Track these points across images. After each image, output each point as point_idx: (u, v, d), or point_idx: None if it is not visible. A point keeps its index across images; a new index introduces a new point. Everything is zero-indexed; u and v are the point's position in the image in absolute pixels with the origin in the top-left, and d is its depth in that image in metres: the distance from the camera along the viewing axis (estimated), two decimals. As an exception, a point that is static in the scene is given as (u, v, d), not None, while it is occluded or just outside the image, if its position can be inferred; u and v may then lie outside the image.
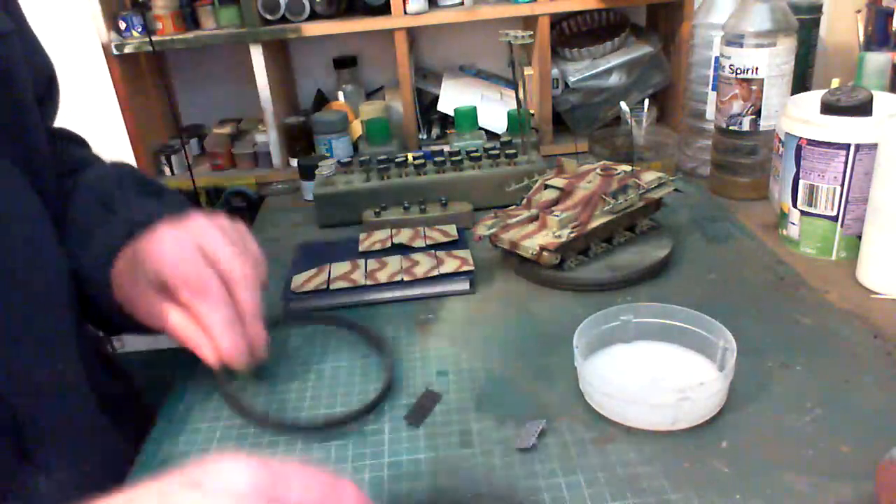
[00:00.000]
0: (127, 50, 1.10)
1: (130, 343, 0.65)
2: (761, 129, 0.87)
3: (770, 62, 0.83)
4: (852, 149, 0.69)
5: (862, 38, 0.98)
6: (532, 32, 0.92)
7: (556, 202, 0.77)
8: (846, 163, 0.69)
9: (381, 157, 0.95)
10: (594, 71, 1.16)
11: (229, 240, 0.53)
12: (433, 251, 0.78)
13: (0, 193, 0.49)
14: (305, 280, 0.74)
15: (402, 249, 0.79)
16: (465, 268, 0.73)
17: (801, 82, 0.98)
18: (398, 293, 0.73)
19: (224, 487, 0.29)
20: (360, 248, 0.81)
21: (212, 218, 0.54)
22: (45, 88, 0.59)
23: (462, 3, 1.13)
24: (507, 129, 1.12)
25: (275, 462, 0.31)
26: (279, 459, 0.32)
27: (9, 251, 0.47)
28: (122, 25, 1.10)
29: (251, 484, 0.29)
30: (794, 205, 0.75)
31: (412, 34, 1.23)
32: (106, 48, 1.10)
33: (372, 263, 0.75)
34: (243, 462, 0.30)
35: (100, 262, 0.55)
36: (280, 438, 0.54)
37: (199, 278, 0.50)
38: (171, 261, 0.51)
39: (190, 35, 1.12)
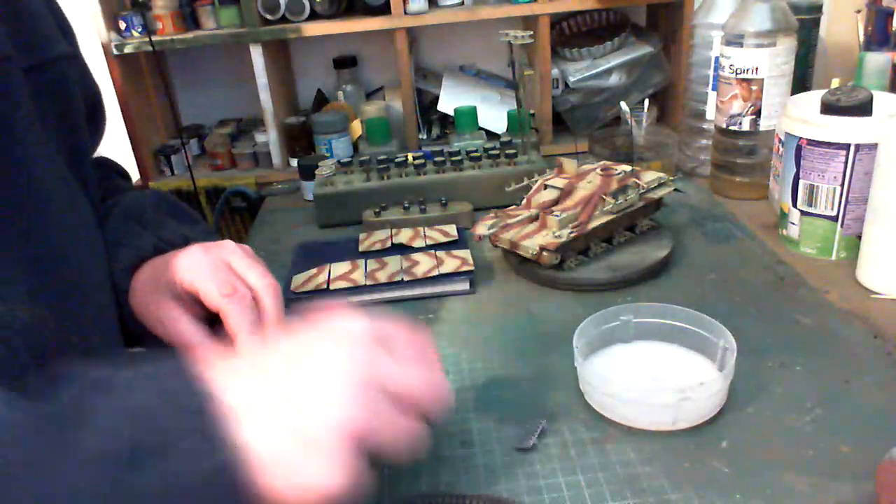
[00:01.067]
0: (127, 50, 1.10)
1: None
2: (761, 129, 0.87)
3: (770, 62, 0.83)
4: (852, 149, 0.69)
5: (862, 38, 0.98)
6: (532, 32, 0.92)
7: (556, 202, 0.77)
8: (846, 163, 0.69)
9: (381, 157, 0.95)
10: (594, 71, 1.16)
11: (253, 260, 0.58)
12: (433, 251, 0.78)
13: (63, 197, 0.51)
14: (305, 280, 0.74)
15: (402, 249, 0.79)
16: (465, 268, 0.73)
17: (801, 82, 0.98)
18: (398, 293, 0.73)
19: (342, 328, 0.39)
20: (360, 248, 0.81)
21: (238, 245, 0.59)
22: (91, 111, 0.62)
23: (462, 3, 1.13)
24: (507, 129, 1.12)
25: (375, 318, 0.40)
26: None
27: (63, 248, 0.50)
28: (122, 25, 1.11)
29: (364, 328, 0.39)
30: (794, 205, 0.75)
31: (412, 34, 1.23)
32: (106, 48, 1.10)
33: (372, 263, 0.75)
34: (356, 314, 0.39)
35: (125, 270, 0.58)
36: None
37: (227, 282, 0.54)
38: (201, 270, 0.54)
39: (190, 35, 1.12)
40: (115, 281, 0.58)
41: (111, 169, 0.73)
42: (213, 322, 0.56)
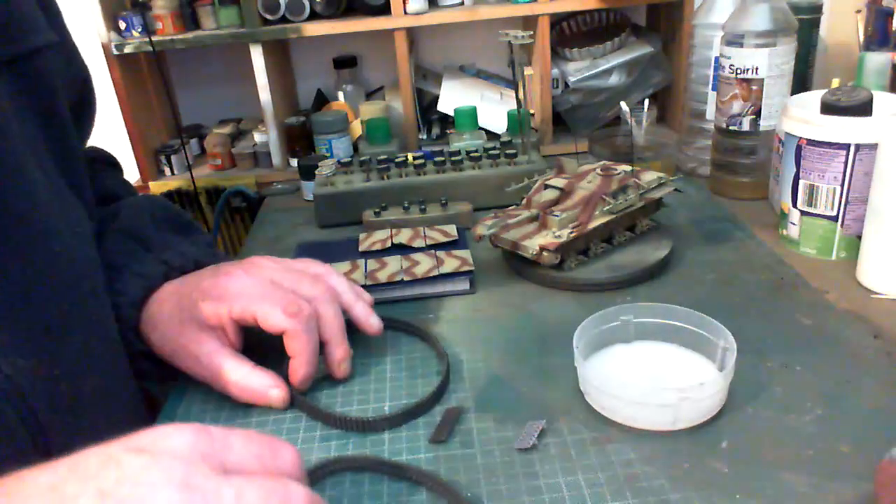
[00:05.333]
0: (127, 50, 1.10)
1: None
2: (761, 129, 0.87)
3: (770, 62, 0.83)
4: (852, 149, 0.69)
5: (862, 38, 0.98)
6: (532, 32, 0.92)
7: (556, 202, 0.77)
8: (846, 163, 0.69)
9: (381, 157, 0.95)
10: (594, 71, 1.16)
11: (296, 273, 0.55)
12: (433, 251, 0.78)
13: (55, 208, 0.47)
14: (305, 280, 0.74)
15: (402, 249, 0.79)
16: (465, 268, 0.73)
17: (801, 82, 0.98)
18: (398, 293, 0.73)
19: (167, 449, 0.30)
20: (360, 248, 0.81)
21: (268, 258, 0.56)
22: (80, 99, 0.57)
23: (462, 3, 1.13)
24: (507, 129, 1.12)
25: (215, 428, 0.32)
26: (220, 427, 0.33)
27: (56, 276, 0.46)
28: (122, 25, 1.11)
29: (192, 446, 0.30)
30: (794, 205, 0.75)
31: (412, 34, 1.23)
32: (106, 48, 1.10)
33: (372, 263, 0.75)
34: (185, 427, 0.31)
35: (133, 304, 0.54)
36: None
37: (291, 301, 0.51)
38: (252, 293, 0.51)
39: (190, 35, 1.12)
40: (121, 314, 0.53)
41: (102, 161, 0.68)
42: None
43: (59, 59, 0.53)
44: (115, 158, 0.71)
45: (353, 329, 0.68)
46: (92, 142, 0.72)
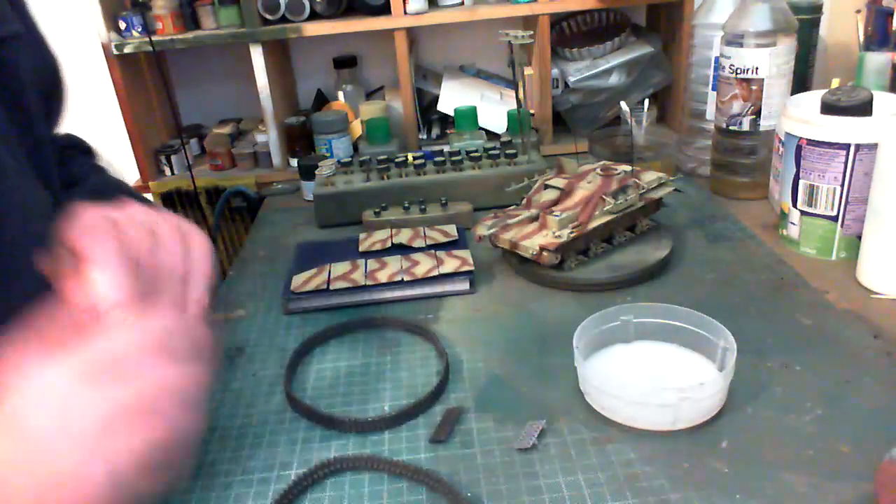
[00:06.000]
0: (127, 50, 1.10)
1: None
2: (761, 129, 0.87)
3: (770, 62, 0.83)
4: (852, 149, 0.69)
5: (862, 38, 0.98)
6: (532, 32, 0.92)
7: (556, 202, 0.77)
8: (846, 163, 0.69)
9: (381, 157, 0.95)
10: (594, 71, 1.16)
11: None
12: (433, 251, 0.78)
13: (30, 202, 0.47)
14: (305, 280, 0.74)
15: (402, 249, 0.79)
16: (465, 268, 0.73)
17: (801, 82, 0.98)
18: (398, 293, 0.73)
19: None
20: (360, 248, 0.81)
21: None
22: (50, 88, 0.56)
23: (462, 3, 1.13)
24: (507, 129, 1.12)
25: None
26: None
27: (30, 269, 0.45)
28: (122, 25, 1.11)
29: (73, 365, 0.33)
30: (794, 205, 0.75)
31: (412, 34, 1.23)
32: (106, 48, 1.10)
33: (372, 263, 0.75)
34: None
35: None
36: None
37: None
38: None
39: (190, 35, 1.12)
40: None
41: (75, 148, 0.66)
42: None
43: (26, 49, 0.51)
44: (88, 145, 0.68)
45: (354, 328, 0.69)
46: (91, 142, 0.71)
